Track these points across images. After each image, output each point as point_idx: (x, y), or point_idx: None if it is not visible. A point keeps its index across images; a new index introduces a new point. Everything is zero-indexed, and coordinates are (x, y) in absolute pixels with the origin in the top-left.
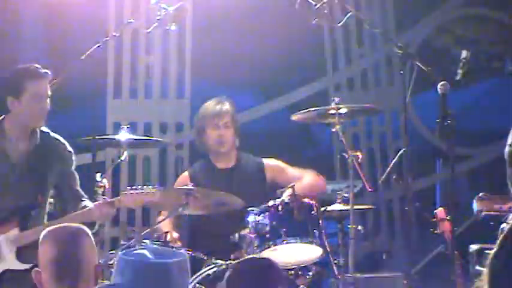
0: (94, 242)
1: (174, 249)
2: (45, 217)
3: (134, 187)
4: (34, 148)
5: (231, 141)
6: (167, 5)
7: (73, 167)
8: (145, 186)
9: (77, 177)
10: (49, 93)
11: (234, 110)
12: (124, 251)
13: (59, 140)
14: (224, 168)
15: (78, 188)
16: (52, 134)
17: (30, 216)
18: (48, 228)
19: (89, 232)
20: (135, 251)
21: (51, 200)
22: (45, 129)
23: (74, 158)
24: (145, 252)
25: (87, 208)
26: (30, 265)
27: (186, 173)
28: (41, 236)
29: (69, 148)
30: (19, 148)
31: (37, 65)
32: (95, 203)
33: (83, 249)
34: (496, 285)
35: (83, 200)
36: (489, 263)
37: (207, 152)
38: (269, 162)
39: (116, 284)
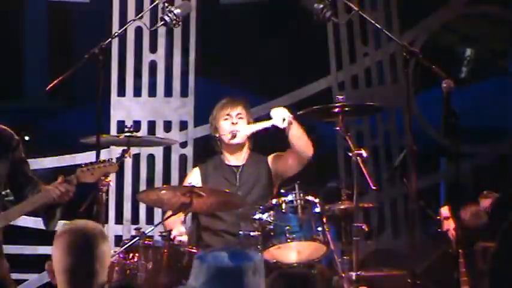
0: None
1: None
2: (0, 207)
3: (90, 162)
4: None
5: (244, 134)
6: (171, 3)
7: (22, 154)
8: (101, 161)
9: (28, 163)
10: None
11: (248, 106)
12: (201, 253)
13: (4, 129)
14: (234, 166)
15: (31, 174)
16: None
17: None
18: (63, 229)
19: (104, 231)
20: (210, 254)
21: (8, 191)
22: None
23: (21, 145)
24: (222, 254)
25: (46, 189)
26: None
27: (197, 168)
28: (56, 236)
29: (16, 136)
30: None
31: None
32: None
33: (100, 257)
34: (496, 283)
35: (38, 184)
36: (489, 261)
37: (220, 149)
38: (270, 155)
39: (191, 286)
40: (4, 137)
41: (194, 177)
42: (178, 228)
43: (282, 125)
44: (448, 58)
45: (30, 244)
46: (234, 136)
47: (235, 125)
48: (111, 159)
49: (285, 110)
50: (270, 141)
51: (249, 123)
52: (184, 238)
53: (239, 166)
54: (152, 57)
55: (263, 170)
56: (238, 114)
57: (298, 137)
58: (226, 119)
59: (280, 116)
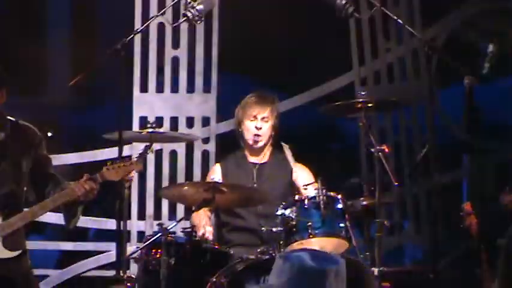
0: None
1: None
2: (22, 204)
3: (115, 160)
4: (5, 138)
5: (267, 136)
6: None
7: (45, 151)
8: (125, 159)
9: (51, 160)
10: None
11: (275, 104)
12: (283, 253)
13: (28, 126)
14: (256, 163)
15: (53, 171)
16: (21, 121)
17: (10, 204)
18: None
19: None
20: (293, 254)
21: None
22: (12, 118)
23: (44, 142)
24: (304, 255)
25: (70, 187)
26: (19, 252)
27: (218, 165)
28: None
29: (39, 133)
30: None
31: None
32: (78, 180)
33: None
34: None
35: (61, 182)
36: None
37: (243, 144)
38: (299, 167)
39: (272, 285)
40: (28, 134)
41: (215, 174)
42: (206, 227)
43: None
44: (470, 54)
45: (53, 240)
46: (256, 142)
47: (259, 129)
48: (136, 156)
49: None
50: (288, 136)
51: (275, 124)
52: (210, 237)
53: (260, 164)
54: (174, 53)
55: (286, 170)
56: (263, 117)
57: None
58: (252, 120)
59: None
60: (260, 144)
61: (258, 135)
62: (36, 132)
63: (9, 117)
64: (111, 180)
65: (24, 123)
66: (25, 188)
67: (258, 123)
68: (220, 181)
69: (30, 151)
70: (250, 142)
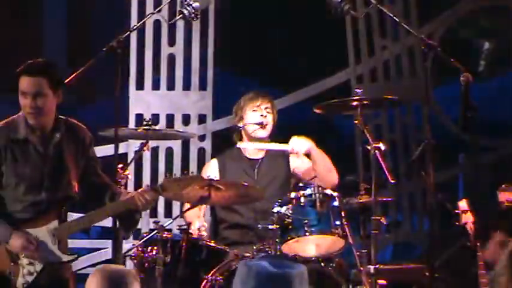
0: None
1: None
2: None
3: (177, 174)
4: (61, 139)
5: (270, 128)
6: None
7: (95, 152)
8: (186, 172)
9: (99, 162)
10: (37, 90)
11: (274, 101)
12: (245, 261)
13: (80, 126)
14: (253, 159)
15: (102, 173)
16: (70, 120)
17: (66, 207)
18: (95, 270)
19: (135, 275)
20: (254, 262)
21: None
22: (63, 117)
23: (93, 141)
24: (264, 263)
25: (130, 196)
26: (74, 256)
27: (214, 160)
28: (89, 277)
29: (90, 134)
30: (48, 140)
31: (36, 61)
32: (137, 190)
33: None
34: None
35: (110, 185)
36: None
37: (246, 139)
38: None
39: None
40: (80, 133)
41: (211, 169)
42: (200, 221)
43: (296, 155)
44: (466, 51)
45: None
46: (264, 127)
47: (264, 117)
48: (193, 172)
49: (307, 141)
50: (284, 133)
51: (275, 118)
52: (204, 233)
53: (258, 159)
54: (171, 50)
55: (282, 164)
56: (267, 108)
57: (321, 165)
58: (255, 110)
59: (298, 147)
60: (264, 132)
61: (264, 123)
62: (87, 132)
63: (60, 116)
64: (172, 192)
65: (75, 122)
66: (78, 191)
67: (263, 112)
68: (217, 177)
69: (83, 152)
70: (256, 128)
